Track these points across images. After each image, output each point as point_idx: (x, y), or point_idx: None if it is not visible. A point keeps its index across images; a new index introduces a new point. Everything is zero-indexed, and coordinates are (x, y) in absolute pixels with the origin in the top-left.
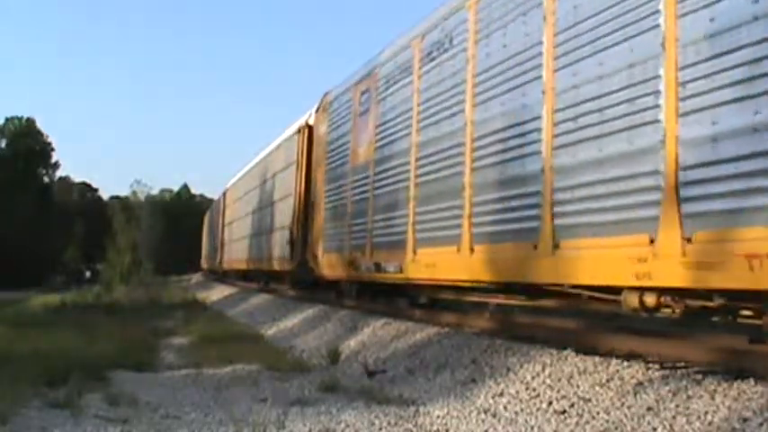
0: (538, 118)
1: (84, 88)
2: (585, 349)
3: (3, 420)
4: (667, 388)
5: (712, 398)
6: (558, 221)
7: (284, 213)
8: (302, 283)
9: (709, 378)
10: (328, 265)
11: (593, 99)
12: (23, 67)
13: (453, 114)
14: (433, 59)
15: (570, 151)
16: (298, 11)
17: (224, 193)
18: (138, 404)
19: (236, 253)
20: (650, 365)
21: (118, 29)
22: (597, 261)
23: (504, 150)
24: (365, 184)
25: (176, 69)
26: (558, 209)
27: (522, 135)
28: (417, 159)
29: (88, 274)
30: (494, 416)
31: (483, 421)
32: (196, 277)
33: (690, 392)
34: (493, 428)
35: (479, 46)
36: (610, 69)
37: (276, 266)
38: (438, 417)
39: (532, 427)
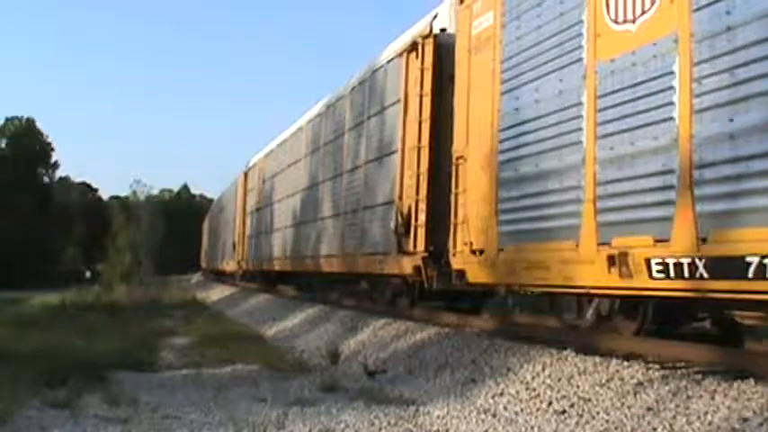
0: None
1: (83, 88)
2: (585, 349)
3: (3, 420)
4: (667, 388)
5: (712, 398)
6: None
7: (380, 182)
8: (436, 297)
9: (709, 378)
10: (525, 266)
11: None
12: (23, 67)
13: None
14: None
15: None
16: (298, 11)
17: (245, 174)
18: (138, 404)
19: (268, 249)
20: (650, 365)
21: (118, 29)
22: None
23: None
24: (662, 90)
25: (176, 69)
26: None
27: None
28: None
29: (88, 274)
30: (494, 416)
31: (483, 421)
32: (196, 277)
33: (690, 392)
34: (493, 428)
35: None
36: None
37: (365, 268)
38: (438, 417)
39: (532, 427)
